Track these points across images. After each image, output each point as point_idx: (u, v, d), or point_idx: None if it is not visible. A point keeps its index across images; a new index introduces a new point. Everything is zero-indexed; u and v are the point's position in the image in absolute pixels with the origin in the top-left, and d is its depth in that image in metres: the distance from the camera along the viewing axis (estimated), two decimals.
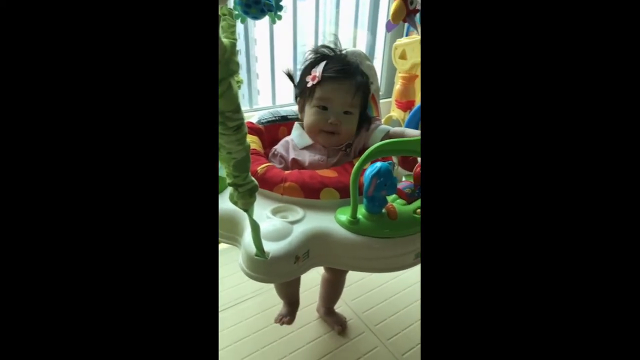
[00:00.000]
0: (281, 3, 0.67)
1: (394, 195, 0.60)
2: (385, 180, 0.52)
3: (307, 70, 0.72)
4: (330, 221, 0.57)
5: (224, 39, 0.35)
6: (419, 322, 1.00)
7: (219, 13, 0.38)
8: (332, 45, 0.75)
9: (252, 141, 0.73)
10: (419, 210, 0.58)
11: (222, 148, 0.41)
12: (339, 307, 1.01)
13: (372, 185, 0.52)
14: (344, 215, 0.56)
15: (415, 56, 1.19)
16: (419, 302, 1.06)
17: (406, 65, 1.22)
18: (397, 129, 0.75)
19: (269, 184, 0.62)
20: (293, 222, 0.55)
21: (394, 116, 1.30)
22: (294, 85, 0.78)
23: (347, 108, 0.70)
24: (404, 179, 0.66)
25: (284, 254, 0.50)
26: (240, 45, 1.21)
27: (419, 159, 0.67)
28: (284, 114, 0.83)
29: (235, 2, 0.65)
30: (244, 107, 1.28)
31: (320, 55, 0.73)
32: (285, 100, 1.34)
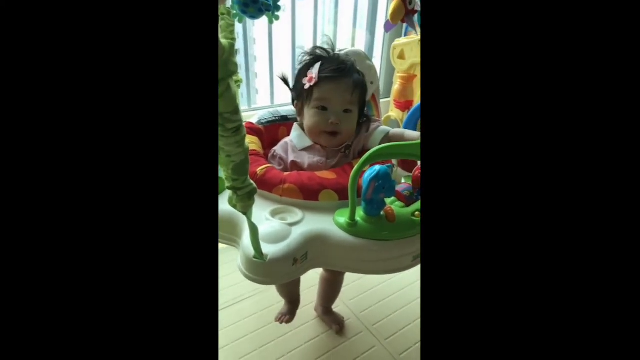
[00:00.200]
0: (279, 3, 0.67)
1: (392, 198, 0.60)
2: (384, 183, 0.53)
3: (302, 73, 0.72)
4: (328, 223, 0.57)
5: (222, 39, 0.35)
6: (416, 321, 1.00)
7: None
8: (325, 47, 0.75)
9: (252, 142, 0.73)
10: (417, 213, 0.58)
11: (221, 150, 0.41)
12: (337, 307, 1.01)
13: (371, 188, 0.53)
14: (343, 217, 0.56)
15: (413, 56, 1.19)
16: (416, 302, 1.07)
17: (405, 65, 1.22)
18: (397, 130, 0.75)
19: (268, 185, 0.62)
20: (292, 224, 0.55)
21: (393, 116, 1.30)
22: (290, 89, 0.78)
23: (346, 106, 0.70)
24: (402, 180, 0.66)
25: (282, 256, 0.50)
26: (239, 44, 1.21)
27: (419, 162, 0.67)
28: (284, 114, 0.83)
29: (233, 2, 0.65)
30: (243, 106, 1.28)
31: (315, 56, 0.73)
32: (284, 99, 1.34)
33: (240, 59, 1.27)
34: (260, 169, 0.64)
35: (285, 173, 0.64)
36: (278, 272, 0.51)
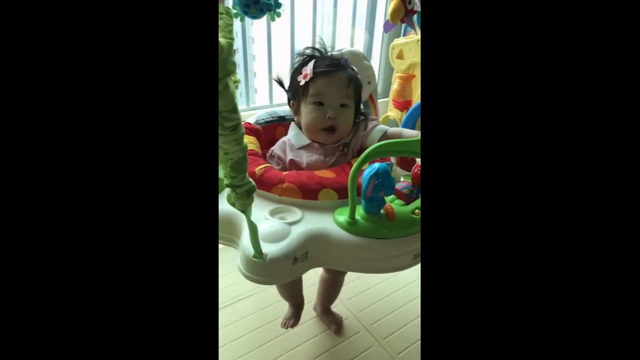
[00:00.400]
0: (280, 1, 0.67)
1: (392, 196, 0.60)
2: (384, 181, 0.52)
3: (297, 72, 0.72)
4: (328, 222, 0.57)
5: (220, 39, 0.35)
6: (415, 321, 1.00)
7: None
8: (318, 47, 0.75)
9: (250, 142, 0.72)
10: (417, 211, 0.58)
11: (220, 149, 0.41)
12: (336, 307, 1.01)
13: (370, 186, 0.52)
14: (342, 216, 0.56)
15: (412, 56, 1.19)
16: (414, 302, 1.07)
17: (403, 65, 1.22)
18: (395, 129, 0.75)
19: (266, 185, 0.61)
20: (291, 224, 0.55)
21: (391, 116, 1.30)
22: (285, 90, 0.77)
23: (343, 100, 0.70)
24: (402, 179, 0.66)
25: (282, 256, 0.50)
26: (238, 43, 1.21)
27: (418, 160, 0.67)
28: (282, 114, 0.83)
29: (234, 2, 0.65)
30: (241, 106, 1.28)
31: (308, 56, 0.73)
32: (283, 99, 1.33)
33: (239, 58, 1.27)
34: (258, 169, 0.63)
35: (284, 172, 0.64)
36: (278, 272, 0.51)
